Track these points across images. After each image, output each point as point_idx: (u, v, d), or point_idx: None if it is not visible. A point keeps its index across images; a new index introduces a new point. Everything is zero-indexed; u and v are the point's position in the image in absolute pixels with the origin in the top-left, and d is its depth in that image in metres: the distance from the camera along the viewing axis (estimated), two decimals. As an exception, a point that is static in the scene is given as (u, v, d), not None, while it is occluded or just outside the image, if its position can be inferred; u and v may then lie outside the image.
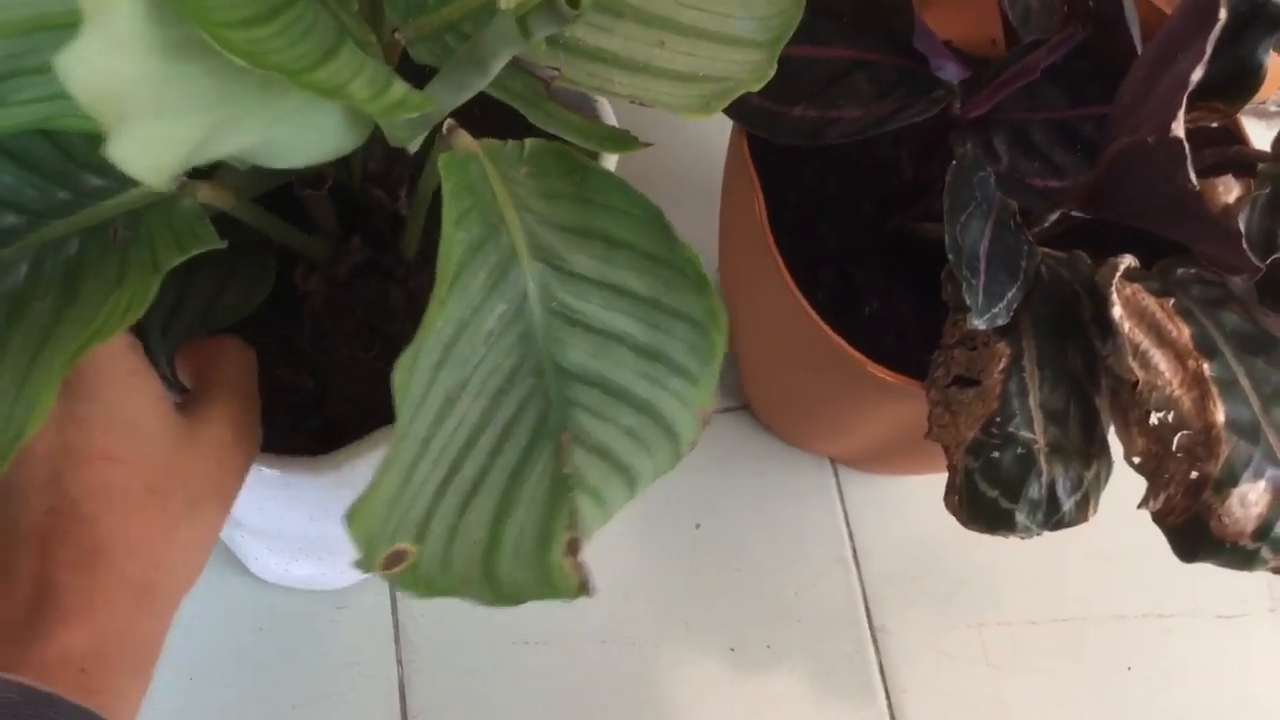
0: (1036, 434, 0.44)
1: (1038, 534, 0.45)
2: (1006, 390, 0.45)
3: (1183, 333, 0.43)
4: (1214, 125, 0.44)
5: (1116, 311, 0.43)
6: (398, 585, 0.38)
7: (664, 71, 0.41)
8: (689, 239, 0.36)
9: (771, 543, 0.67)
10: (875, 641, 0.67)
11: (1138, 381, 0.42)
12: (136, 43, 0.26)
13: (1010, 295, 0.45)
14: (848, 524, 0.68)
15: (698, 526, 0.67)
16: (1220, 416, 0.41)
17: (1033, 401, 0.45)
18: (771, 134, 0.48)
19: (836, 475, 0.69)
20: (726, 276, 0.62)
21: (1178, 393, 0.42)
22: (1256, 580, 0.71)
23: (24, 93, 0.30)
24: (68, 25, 0.30)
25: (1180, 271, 0.46)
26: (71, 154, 0.38)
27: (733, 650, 0.65)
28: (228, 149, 0.33)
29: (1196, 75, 0.35)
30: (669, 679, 0.64)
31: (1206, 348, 0.43)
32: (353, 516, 0.35)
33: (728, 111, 0.47)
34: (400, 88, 0.33)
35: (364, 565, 0.36)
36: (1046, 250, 0.47)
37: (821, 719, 0.64)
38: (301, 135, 0.35)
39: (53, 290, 0.37)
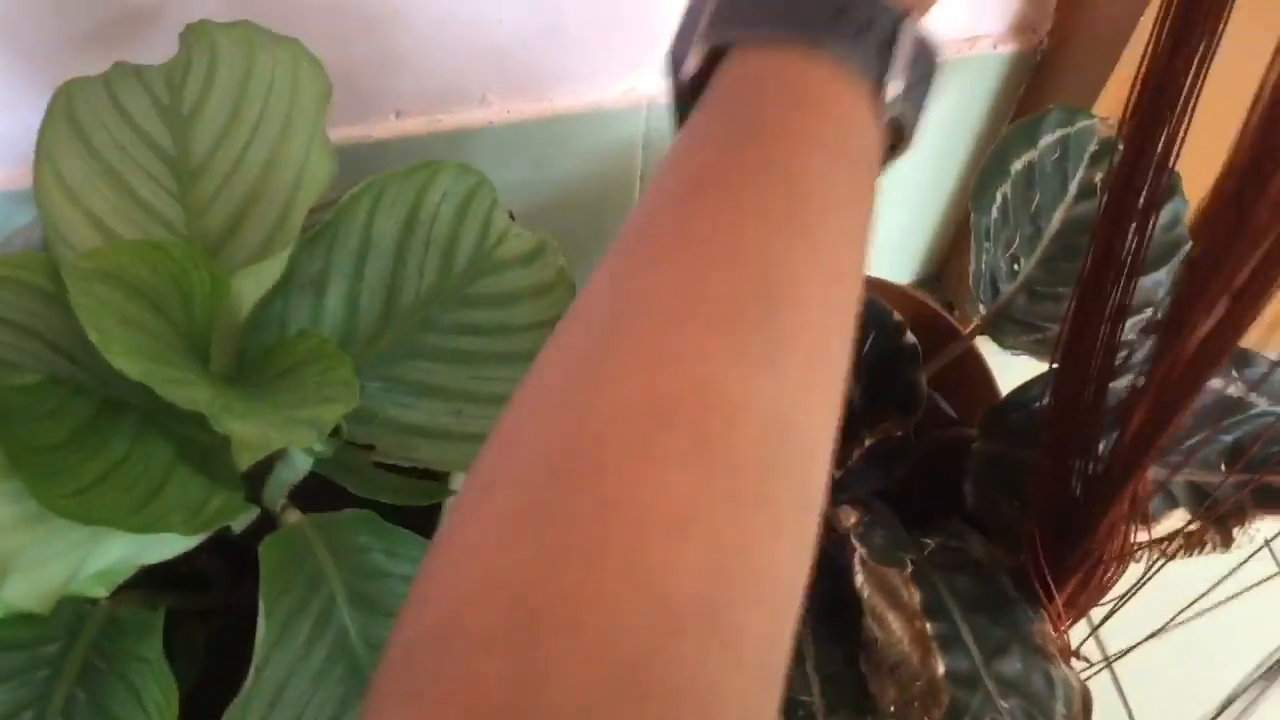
0: (814, 695, 0.52)
1: (830, 782, 0.52)
2: (786, 659, 0.53)
3: (913, 597, 0.51)
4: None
5: (859, 580, 0.51)
6: None
7: (462, 435, 0.51)
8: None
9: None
10: None
11: (878, 639, 0.50)
12: (5, 521, 0.37)
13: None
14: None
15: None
16: (940, 669, 0.48)
17: (809, 667, 0.53)
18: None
19: None
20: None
21: (908, 648, 0.49)
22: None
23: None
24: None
25: (926, 540, 0.54)
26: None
27: None
28: (100, 566, 0.43)
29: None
30: None
31: (934, 609, 0.51)
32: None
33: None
34: (216, 502, 0.43)
35: None
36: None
37: None
38: (152, 546, 0.45)
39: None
